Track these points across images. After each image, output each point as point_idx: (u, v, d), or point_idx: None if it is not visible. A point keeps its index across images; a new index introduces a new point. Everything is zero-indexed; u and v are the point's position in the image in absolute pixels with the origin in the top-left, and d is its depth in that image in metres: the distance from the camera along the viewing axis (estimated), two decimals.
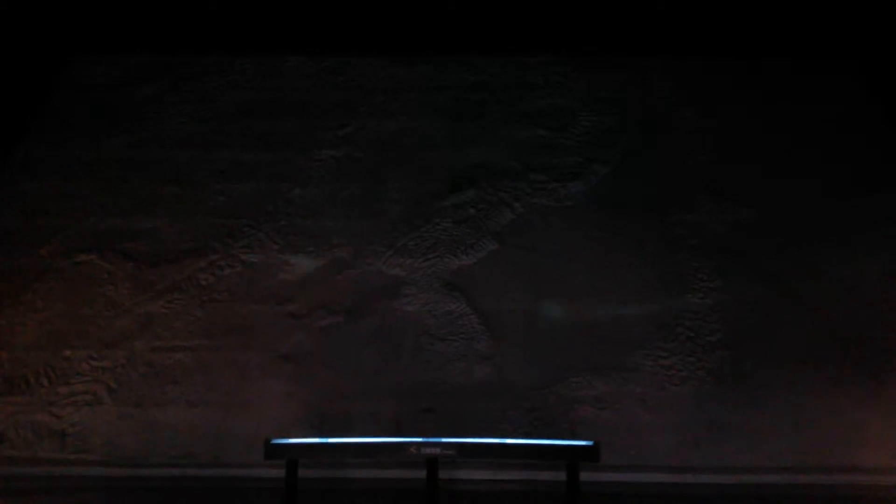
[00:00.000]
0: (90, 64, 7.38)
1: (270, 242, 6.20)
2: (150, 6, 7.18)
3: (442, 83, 7.17)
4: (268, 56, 7.37)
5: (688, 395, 5.42)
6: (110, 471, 5.25)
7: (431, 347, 5.67)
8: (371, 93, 7.12)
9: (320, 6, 7.19)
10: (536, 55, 7.28)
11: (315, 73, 7.26)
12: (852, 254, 5.94)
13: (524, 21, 7.27)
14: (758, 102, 6.77)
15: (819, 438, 5.22)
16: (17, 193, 6.50)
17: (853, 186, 6.26)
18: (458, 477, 4.97)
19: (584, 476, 4.24)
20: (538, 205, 6.34)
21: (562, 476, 4.24)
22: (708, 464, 5.15)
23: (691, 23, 7.03)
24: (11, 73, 7.04)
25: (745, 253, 5.98)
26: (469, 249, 6.12)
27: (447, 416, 5.33)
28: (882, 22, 6.65)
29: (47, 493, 5.04)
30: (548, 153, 6.63)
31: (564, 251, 6.07)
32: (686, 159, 6.48)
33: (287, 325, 5.80)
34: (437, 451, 4.29)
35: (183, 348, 5.70)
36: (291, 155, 6.69)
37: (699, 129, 6.65)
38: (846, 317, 5.68)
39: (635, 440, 5.24)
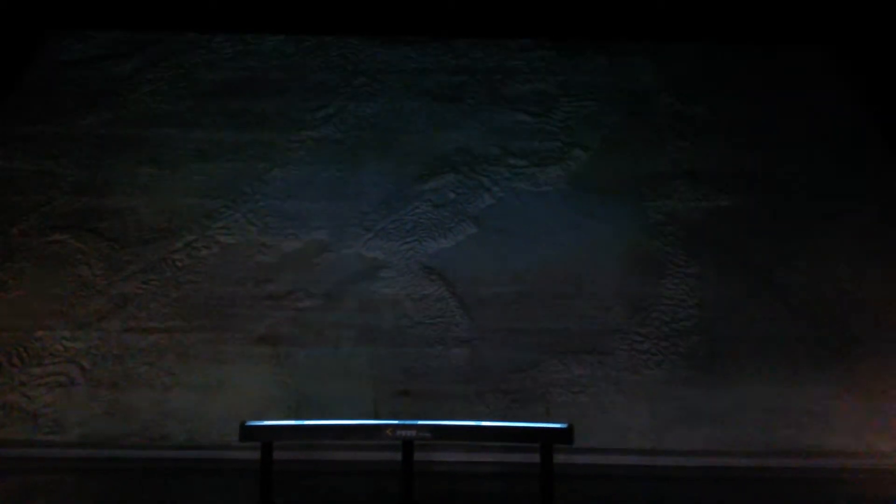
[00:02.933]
0: (65, 40, 7.24)
1: (248, 224, 6.15)
2: None
3: (423, 66, 7.12)
4: (247, 35, 7.27)
5: (662, 378, 5.48)
6: (83, 452, 5.20)
7: (409, 330, 5.67)
8: (351, 74, 7.06)
9: None
10: (519, 39, 7.25)
11: (295, 52, 7.17)
12: (826, 241, 6.02)
13: (507, 4, 7.23)
14: (739, 89, 6.80)
15: (790, 422, 5.30)
16: None
17: (831, 175, 6.33)
18: (433, 459, 4.99)
19: (559, 458, 4.28)
20: (517, 189, 6.34)
21: (537, 458, 4.27)
22: (681, 446, 5.22)
23: (674, 8, 7.03)
24: None
25: (722, 239, 6.04)
26: (448, 233, 6.11)
27: (424, 399, 5.35)
28: (865, 8, 6.69)
29: (19, 474, 4.99)
30: (528, 138, 6.63)
31: (542, 235, 6.08)
32: (666, 145, 6.51)
33: (264, 307, 5.77)
34: (413, 433, 4.31)
35: (158, 329, 5.65)
36: (270, 136, 6.63)
37: (680, 115, 6.68)
38: (819, 304, 5.77)
39: (609, 423, 5.29)
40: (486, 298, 5.80)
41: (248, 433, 4.36)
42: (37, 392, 5.42)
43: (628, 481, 5.01)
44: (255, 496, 4.42)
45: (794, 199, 6.23)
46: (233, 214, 6.19)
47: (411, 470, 4.40)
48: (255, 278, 5.90)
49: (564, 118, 6.73)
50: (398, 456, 4.42)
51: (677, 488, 4.95)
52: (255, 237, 6.08)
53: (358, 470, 5.03)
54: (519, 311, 5.75)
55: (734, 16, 7.02)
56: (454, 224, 6.15)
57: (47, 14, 7.21)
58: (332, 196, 6.30)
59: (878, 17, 6.69)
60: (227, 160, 6.46)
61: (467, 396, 5.40)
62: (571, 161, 6.47)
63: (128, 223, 6.10)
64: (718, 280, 5.86)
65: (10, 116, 6.72)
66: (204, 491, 4.91)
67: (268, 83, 6.94)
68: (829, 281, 5.87)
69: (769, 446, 5.24)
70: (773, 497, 4.88)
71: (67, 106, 6.76)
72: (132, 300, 5.76)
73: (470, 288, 5.85)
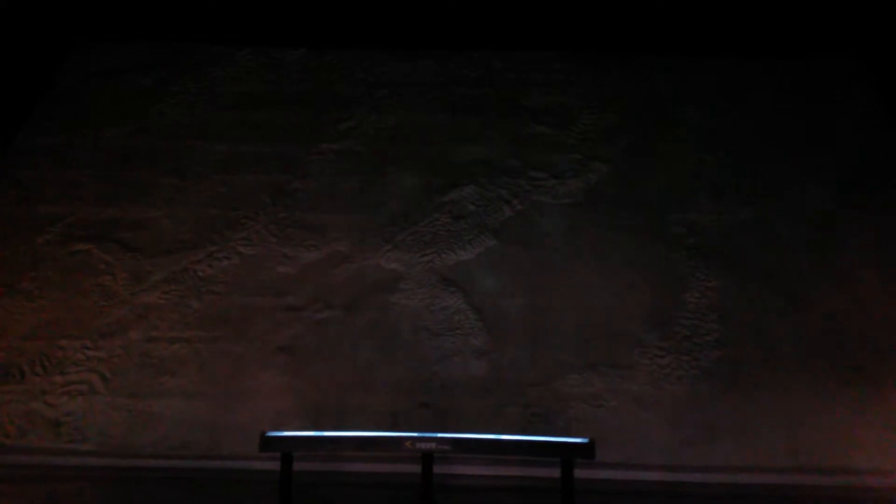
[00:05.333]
0: (90, 52, 7.36)
1: (269, 235, 6.19)
2: None
3: (443, 78, 7.16)
4: (270, 48, 7.36)
5: (684, 393, 5.42)
6: (104, 461, 5.23)
7: (428, 342, 5.66)
8: (372, 87, 7.11)
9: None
10: (538, 52, 7.27)
11: (316, 66, 7.24)
12: (851, 256, 5.94)
13: (527, 17, 7.26)
14: (760, 102, 6.77)
15: (814, 439, 5.22)
16: (13, 181, 6.47)
17: (855, 187, 6.26)
18: (452, 472, 4.97)
19: (579, 473, 4.26)
20: (537, 202, 6.33)
21: (557, 472, 4.25)
22: (703, 463, 5.15)
23: (694, 21, 7.03)
24: (11, 60, 7.01)
25: (744, 253, 5.98)
26: (467, 245, 6.11)
27: (443, 412, 5.34)
28: (888, 19, 6.65)
29: (41, 482, 5.04)
30: (548, 150, 6.63)
31: (562, 248, 6.06)
32: (687, 158, 6.48)
33: (284, 318, 5.79)
34: (433, 445, 4.31)
35: (179, 339, 5.69)
36: (291, 148, 6.68)
37: (701, 127, 6.65)
38: (843, 319, 5.68)
39: (631, 438, 5.24)
40: (506, 311, 5.79)
41: (269, 444, 4.38)
42: (59, 400, 5.46)
43: (649, 497, 4.97)
44: None
45: (818, 212, 6.17)
46: (254, 225, 6.23)
47: (431, 482, 4.39)
48: (275, 289, 5.92)
49: (584, 130, 6.73)
50: (417, 468, 4.42)
51: None
52: (276, 248, 6.12)
53: (377, 482, 5.01)
54: (538, 324, 5.72)
55: (756, 28, 7.00)
56: (474, 236, 6.15)
57: (73, 26, 7.33)
58: (352, 208, 6.33)
59: None
60: (248, 172, 6.52)
61: (486, 409, 5.38)
62: (592, 174, 6.45)
63: (150, 233, 6.17)
64: (740, 294, 5.80)
65: (35, 127, 6.84)
66: (224, 501, 4.93)
67: (290, 96, 7.01)
68: (854, 295, 5.79)
69: (792, 463, 5.16)
70: None
71: (92, 117, 6.86)
72: (154, 310, 5.81)
73: (489, 300, 5.84)
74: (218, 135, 6.74)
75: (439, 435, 4.35)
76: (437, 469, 4.44)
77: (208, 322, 5.77)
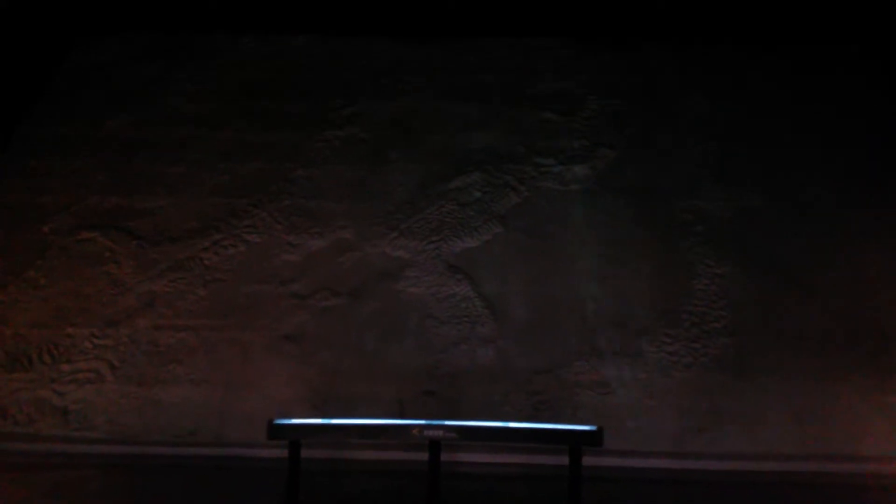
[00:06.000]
0: (95, 42, 7.32)
1: (274, 223, 6.17)
2: None
3: (448, 65, 7.10)
4: (273, 35, 7.31)
5: (691, 381, 5.41)
6: (112, 448, 5.26)
7: (434, 330, 5.65)
8: (377, 74, 7.06)
9: None
10: (544, 38, 7.21)
11: (321, 53, 7.19)
12: (858, 243, 5.90)
13: (532, 4, 7.19)
14: (766, 89, 6.70)
15: (821, 427, 5.21)
16: (20, 171, 6.46)
17: (860, 175, 6.21)
18: (460, 459, 4.97)
19: (587, 461, 4.24)
20: (543, 188, 6.29)
21: (564, 460, 4.24)
22: (710, 450, 5.15)
23: (700, 8, 6.95)
24: (17, 51, 6.98)
25: (752, 240, 5.94)
26: (473, 232, 6.09)
27: (450, 399, 5.33)
28: (888, 8, 6.57)
29: (49, 470, 5.05)
30: (554, 137, 6.58)
31: (569, 235, 6.03)
32: (693, 145, 6.42)
33: (290, 306, 5.78)
34: (440, 433, 4.29)
35: (186, 327, 5.69)
36: (296, 135, 6.65)
37: (707, 114, 6.59)
38: (851, 306, 5.66)
39: (638, 425, 5.23)
40: (512, 298, 5.77)
41: (277, 431, 4.36)
42: (67, 388, 5.48)
43: (656, 484, 4.95)
44: (281, 494, 4.44)
45: (824, 199, 6.12)
46: (259, 213, 6.22)
47: (438, 470, 4.38)
48: (280, 277, 5.92)
49: (590, 117, 6.67)
50: (424, 456, 4.41)
51: (706, 492, 4.88)
52: (281, 236, 6.11)
53: (384, 469, 5.02)
54: (545, 312, 5.71)
55: (761, 16, 6.92)
56: (480, 223, 6.12)
57: (77, 18, 7.29)
58: (357, 195, 6.30)
59: None
60: (253, 160, 6.50)
61: (493, 396, 5.37)
62: (598, 160, 6.41)
63: (156, 222, 6.16)
64: (748, 281, 5.77)
65: (41, 118, 6.82)
66: (230, 489, 4.93)
67: (294, 83, 6.97)
68: (861, 282, 5.76)
69: (800, 450, 5.15)
70: (804, 502, 4.81)
71: (97, 107, 6.84)
72: (160, 298, 5.81)
73: (495, 288, 5.82)
74: (222, 123, 6.71)
75: (447, 423, 4.34)
76: (443, 457, 4.43)
77: (214, 310, 5.77)
